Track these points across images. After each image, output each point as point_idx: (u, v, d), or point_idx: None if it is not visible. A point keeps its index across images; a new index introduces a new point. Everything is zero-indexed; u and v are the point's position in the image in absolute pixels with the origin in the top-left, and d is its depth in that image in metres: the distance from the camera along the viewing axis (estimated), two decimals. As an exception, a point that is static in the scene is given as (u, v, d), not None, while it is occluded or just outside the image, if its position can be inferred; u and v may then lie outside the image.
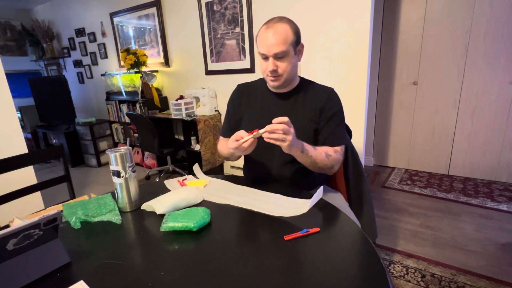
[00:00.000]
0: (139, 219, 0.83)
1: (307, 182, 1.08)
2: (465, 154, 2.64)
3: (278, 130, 0.80)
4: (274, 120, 0.82)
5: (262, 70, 1.00)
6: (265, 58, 0.96)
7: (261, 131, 0.83)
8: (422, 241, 1.78)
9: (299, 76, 1.08)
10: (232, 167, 2.97)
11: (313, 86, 1.08)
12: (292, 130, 0.83)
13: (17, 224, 0.63)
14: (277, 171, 1.06)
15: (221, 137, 1.20)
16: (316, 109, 1.03)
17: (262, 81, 1.12)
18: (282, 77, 0.97)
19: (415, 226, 1.95)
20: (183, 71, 3.14)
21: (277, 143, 0.82)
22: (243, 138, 0.87)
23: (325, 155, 0.96)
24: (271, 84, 1.02)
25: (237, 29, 2.57)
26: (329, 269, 0.58)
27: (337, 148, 1.01)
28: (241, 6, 2.49)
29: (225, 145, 1.09)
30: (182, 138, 3.27)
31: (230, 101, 1.18)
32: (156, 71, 3.30)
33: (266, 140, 0.83)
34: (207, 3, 2.68)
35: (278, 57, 0.93)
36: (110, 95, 3.61)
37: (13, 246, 0.56)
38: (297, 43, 0.96)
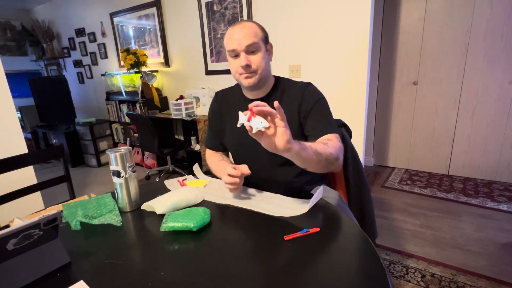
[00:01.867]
0: (139, 219, 0.83)
1: (304, 184, 1.06)
2: (465, 154, 2.64)
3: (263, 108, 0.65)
4: (251, 105, 0.66)
5: (234, 70, 0.94)
6: (236, 55, 0.91)
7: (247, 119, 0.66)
8: (422, 241, 1.78)
9: (274, 76, 1.04)
10: (232, 167, 2.96)
11: (289, 85, 1.01)
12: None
13: (17, 224, 0.63)
14: (271, 175, 1.03)
15: (208, 150, 1.16)
16: (295, 108, 0.96)
17: (238, 87, 1.07)
18: (257, 73, 0.92)
19: (415, 226, 1.95)
20: (183, 71, 3.14)
21: (272, 131, 0.66)
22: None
23: (322, 144, 0.83)
24: (245, 83, 0.93)
25: (237, 29, 2.57)
26: (329, 269, 0.58)
27: (329, 135, 0.90)
28: (241, 6, 2.49)
29: (215, 162, 1.08)
30: (182, 138, 3.27)
31: (210, 111, 1.13)
32: (156, 71, 3.30)
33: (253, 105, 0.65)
34: (207, 3, 2.68)
35: (250, 51, 0.89)
36: (110, 95, 3.61)
37: (13, 246, 0.56)
38: (266, 39, 0.94)
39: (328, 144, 0.84)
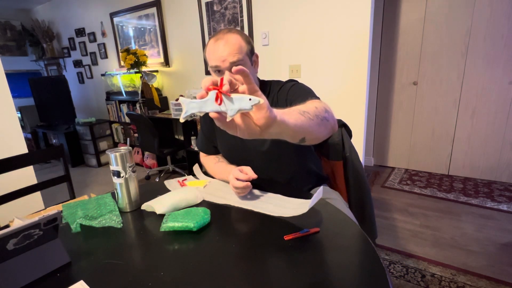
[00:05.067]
0: (139, 219, 0.83)
1: (303, 184, 1.06)
2: (465, 154, 2.64)
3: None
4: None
5: None
6: (219, 71, 0.87)
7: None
8: (422, 241, 1.78)
9: (260, 80, 1.03)
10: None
11: (271, 87, 1.01)
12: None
13: (17, 224, 0.63)
14: (267, 177, 1.03)
15: (202, 154, 1.16)
16: (275, 106, 0.95)
17: None
18: None
19: (415, 226, 1.95)
20: (183, 71, 3.14)
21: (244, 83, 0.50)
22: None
23: (301, 105, 0.71)
24: None
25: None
26: (329, 269, 0.58)
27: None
28: (241, 6, 2.49)
29: (212, 165, 1.08)
30: (182, 138, 3.27)
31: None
32: (156, 71, 3.30)
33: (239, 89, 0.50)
34: (207, 3, 2.68)
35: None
36: (110, 95, 3.61)
37: (13, 246, 0.57)
38: (251, 53, 0.90)
39: (310, 103, 0.74)
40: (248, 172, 0.87)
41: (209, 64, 0.90)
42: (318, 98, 0.86)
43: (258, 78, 1.03)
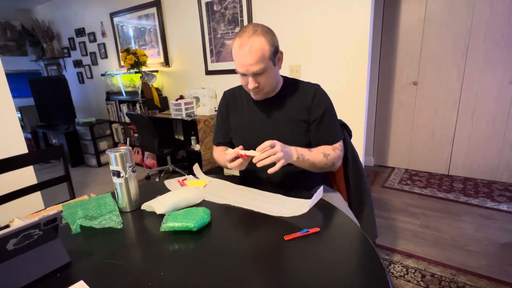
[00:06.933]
0: (139, 219, 0.83)
1: (303, 184, 1.07)
2: (465, 154, 2.64)
3: (267, 158, 0.82)
4: (258, 149, 0.85)
5: (243, 84, 0.99)
6: (244, 74, 0.94)
7: (248, 152, 0.87)
8: (422, 241, 1.78)
9: (282, 76, 1.06)
10: (232, 167, 2.96)
11: (298, 85, 1.05)
12: (277, 146, 0.84)
13: (17, 224, 0.63)
14: (275, 174, 1.05)
15: (214, 147, 1.19)
16: (303, 109, 1.01)
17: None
18: (264, 90, 0.97)
19: (415, 226, 1.95)
20: (183, 71, 3.14)
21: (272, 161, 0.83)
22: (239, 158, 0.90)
23: (323, 155, 0.95)
24: (254, 97, 1.02)
25: (237, 29, 2.57)
26: (329, 269, 0.58)
27: (336, 145, 1.01)
28: (241, 6, 2.49)
29: (222, 156, 1.09)
30: (182, 138, 3.27)
31: (218, 110, 1.17)
32: (156, 71, 3.30)
33: (259, 166, 0.84)
34: (207, 3, 2.68)
35: (257, 74, 0.91)
36: (110, 95, 3.61)
37: (13, 246, 0.57)
38: (275, 54, 0.93)
39: (327, 157, 0.96)
40: (236, 149, 0.90)
41: (235, 65, 0.94)
42: (340, 136, 1.03)
43: (283, 77, 1.06)
